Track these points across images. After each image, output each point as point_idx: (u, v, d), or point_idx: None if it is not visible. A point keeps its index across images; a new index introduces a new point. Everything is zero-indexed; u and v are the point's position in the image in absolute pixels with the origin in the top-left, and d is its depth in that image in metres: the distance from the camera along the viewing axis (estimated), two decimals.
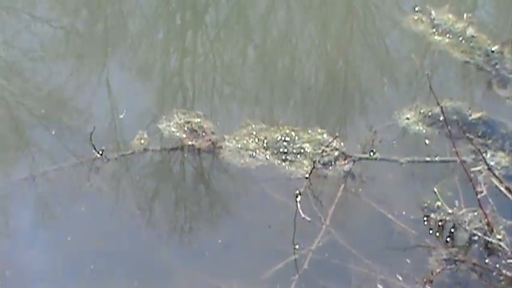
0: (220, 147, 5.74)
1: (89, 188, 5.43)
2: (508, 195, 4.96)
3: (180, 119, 5.92)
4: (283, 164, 5.65)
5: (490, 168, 4.91)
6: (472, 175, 5.14)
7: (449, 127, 5.32)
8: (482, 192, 5.00)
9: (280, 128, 5.92)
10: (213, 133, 5.85)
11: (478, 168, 5.36)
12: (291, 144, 5.78)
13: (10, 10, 7.27)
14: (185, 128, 5.85)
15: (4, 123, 6.02)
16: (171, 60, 6.85)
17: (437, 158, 5.70)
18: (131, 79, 6.50)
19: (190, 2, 7.56)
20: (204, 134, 5.83)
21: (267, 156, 5.70)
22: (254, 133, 5.85)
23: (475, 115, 6.02)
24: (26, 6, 7.31)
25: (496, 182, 5.01)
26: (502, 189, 5.07)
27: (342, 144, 5.80)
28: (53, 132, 5.84)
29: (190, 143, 5.74)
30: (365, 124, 6.09)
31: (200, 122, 5.93)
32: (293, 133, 5.86)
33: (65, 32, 6.96)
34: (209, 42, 7.06)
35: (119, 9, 7.44)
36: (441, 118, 5.71)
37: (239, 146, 5.75)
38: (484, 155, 5.46)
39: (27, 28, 7.02)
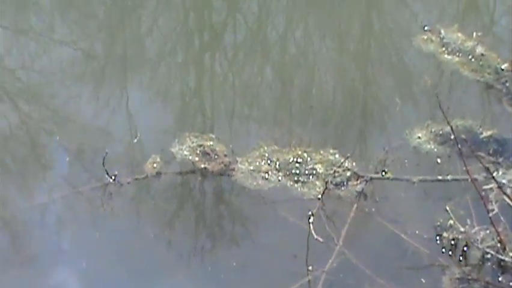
0: (233, 169, 5.78)
1: (102, 213, 5.47)
2: None
3: (193, 142, 5.97)
4: (296, 185, 5.69)
5: (499, 187, 4.93)
6: (483, 193, 5.16)
7: (459, 146, 5.33)
8: (493, 210, 5.01)
9: (293, 149, 5.96)
10: (225, 155, 5.89)
11: (490, 186, 5.38)
12: (303, 166, 5.81)
13: (30, 34, 7.35)
14: (198, 151, 5.90)
15: (20, 147, 6.10)
16: (183, 84, 6.90)
17: (448, 177, 5.72)
18: (146, 103, 6.56)
19: (207, 23, 7.64)
20: (216, 156, 5.88)
21: (280, 178, 5.73)
22: (266, 155, 5.89)
23: (486, 133, 6.05)
24: (45, 30, 7.40)
25: (507, 200, 5.02)
26: None
27: (354, 164, 5.83)
28: (67, 159, 5.90)
29: (202, 166, 5.79)
30: (376, 144, 6.12)
31: (212, 144, 5.97)
32: (305, 154, 5.89)
33: (83, 55, 7.04)
34: (220, 66, 7.11)
35: (137, 31, 7.52)
36: (454, 137, 5.73)
37: (251, 168, 5.79)
38: (495, 172, 5.48)
39: (46, 51, 7.10)
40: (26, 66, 6.94)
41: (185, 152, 5.89)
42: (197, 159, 5.85)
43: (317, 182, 5.69)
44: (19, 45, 7.21)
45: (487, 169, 5.07)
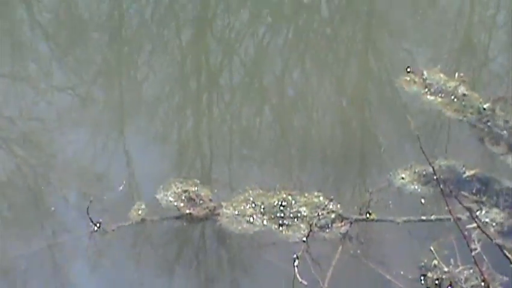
0: (218, 214, 5.80)
1: (87, 261, 5.48)
2: (503, 252, 4.99)
3: (178, 188, 5.99)
4: (281, 228, 5.71)
5: (479, 226, 4.97)
6: (466, 232, 5.19)
7: (441, 186, 5.38)
8: (476, 249, 5.03)
9: (277, 192, 5.99)
10: (210, 200, 5.92)
11: (473, 225, 5.41)
12: (288, 209, 5.84)
13: (27, 80, 7.40)
14: (183, 197, 5.92)
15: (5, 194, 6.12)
16: (166, 131, 6.93)
17: (432, 217, 5.75)
18: (132, 149, 6.59)
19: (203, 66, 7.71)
20: (201, 202, 5.90)
21: (265, 222, 5.75)
22: (251, 199, 5.92)
23: (469, 172, 6.09)
24: (43, 77, 7.45)
25: (489, 239, 5.05)
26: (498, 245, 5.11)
27: (338, 206, 5.86)
28: (52, 208, 5.92)
29: (188, 211, 5.81)
30: (361, 185, 6.16)
31: (197, 190, 6.00)
32: (290, 197, 5.92)
33: (81, 100, 7.08)
34: (206, 112, 7.16)
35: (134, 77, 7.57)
36: (437, 177, 5.77)
37: (236, 212, 5.81)
38: (478, 211, 5.51)
39: (43, 98, 7.14)
40: (24, 112, 6.96)
41: (170, 198, 5.92)
42: (182, 205, 5.87)
43: (302, 225, 5.71)
44: (16, 92, 7.25)
45: (468, 209, 5.11)
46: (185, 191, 5.97)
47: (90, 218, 5.62)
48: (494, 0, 8.56)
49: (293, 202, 5.89)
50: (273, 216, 5.78)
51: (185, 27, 8.20)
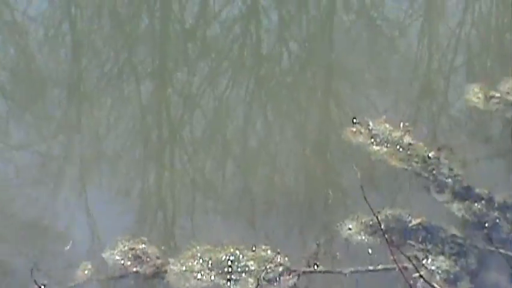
0: (165, 271, 5.78)
1: None
2: None
3: (124, 246, 5.96)
4: (229, 283, 5.70)
5: (421, 276, 5.01)
6: (412, 281, 5.22)
7: (386, 236, 5.42)
8: None
9: (225, 247, 5.98)
10: (157, 258, 5.89)
11: (419, 274, 5.44)
12: (236, 263, 5.83)
13: None
14: (130, 255, 5.89)
15: None
16: (112, 189, 6.90)
17: (379, 267, 5.77)
18: (78, 208, 6.55)
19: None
20: (148, 259, 5.88)
21: (212, 277, 5.73)
22: (199, 254, 5.90)
23: (415, 221, 6.14)
24: (1, 135, 7.39)
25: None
26: None
27: (286, 259, 5.87)
28: None
29: (134, 269, 5.78)
30: (308, 237, 6.17)
31: (145, 247, 5.97)
32: (237, 252, 5.92)
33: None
34: (154, 169, 7.15)
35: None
36: (382, 227, 5.83)
37: (184, 268, 5.79)
38: (424, 260, 5.56)
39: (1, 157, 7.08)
40: None
41: (116, 257, 5.88)
42: (129, 263, 5.84)
43: (250, 279, 5.71)
44: None
45: (410, 258, 5.15)
46: (132, 249, 5.94)
47: (35, 281, 5.57)
48: (451, 50, 8.70)
49: (241, 256, 5.89)
50: (220, 272, 5.77)
51: (145, 80, 8.21)
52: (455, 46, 8.72)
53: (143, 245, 5.98)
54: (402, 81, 8.21)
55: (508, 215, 6.24)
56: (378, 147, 7.01)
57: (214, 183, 6.93)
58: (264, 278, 5.69)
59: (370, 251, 5.95)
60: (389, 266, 5.73)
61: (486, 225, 6.15)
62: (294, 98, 7.99)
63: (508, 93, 7.62)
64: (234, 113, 7.76)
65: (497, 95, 7.56)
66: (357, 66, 8.34)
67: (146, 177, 7.04)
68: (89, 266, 5.78)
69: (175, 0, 9.37)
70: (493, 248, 5.91)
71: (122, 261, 5.84)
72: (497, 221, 6.19)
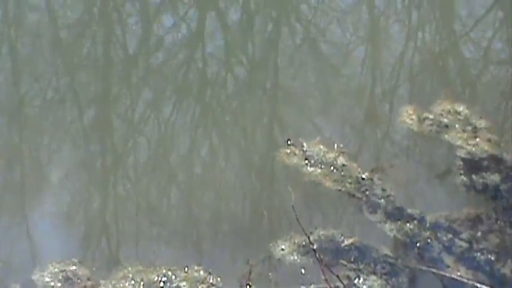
0: None
1: None
2: None
3: (55, 268, 5.89)
4: None
5: None
6: None
7: (318, 255, 5.43)
8: None
9: (157, 268, 5.94)
10: (88, 279, 5.83)
11: None
12: (168, 284, 5.79)
13: None
14: (60, 277, 5.82)
15: None
16: (42, 209, 6.83)
17: (312, 287, 5.78)
18: (7, 230, 6.47)
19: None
20: (79, 281, 5.81)
21: None
22: (130, 275, 5.85)
23: (348, 241, 6.17)
24: None
25: None
26: None
27: (219, 279, 5.85)
28: None
29: None
30: (241, 258, 6.15)
31: (76, 269, 5.90)
32: (170, 273, 5.88)
33: None
34: (89, 193, 7.09)
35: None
36: (314, 247, 5.85)
37: None
38: (356, 279, 5.58)
39: None
40: None
41: (46, 279, 5.80)
42: (59, 285, 5.76)
43: None
44: None
45: (339, 278, 5.16)
46: (62, 271, 5.86)
47: None
48: (393, 74, 8.77)
49: (173, 277, 5.85)
50: None
51: (88, 107, 8.13)
52: (398, 70, 8.81)
53: (74, 267, 5.91)
54: (344, 105, 8.26)
55: (439, 235, 6.31)
56: (312, 169, 7.04)
57: (151, 205, 6.89)
58: None
59: (303, 271, 5.95)
60: (321, 286, 5.75)
61: (418, 244, 6.20)
62: (238, 123, 7.99)
63: (441, 115, 7.71)
64: (178, 138, 7.75)
65: (431, 116, 7.64)
66: (301, 90, 8.39)
67: (81, 200, 6.97)
68: None
69: (118, 25, 9.32)
70: (424, 268, 5.97)
71: (52, 283, 5.77)
72: (429, 240, 6.24)
